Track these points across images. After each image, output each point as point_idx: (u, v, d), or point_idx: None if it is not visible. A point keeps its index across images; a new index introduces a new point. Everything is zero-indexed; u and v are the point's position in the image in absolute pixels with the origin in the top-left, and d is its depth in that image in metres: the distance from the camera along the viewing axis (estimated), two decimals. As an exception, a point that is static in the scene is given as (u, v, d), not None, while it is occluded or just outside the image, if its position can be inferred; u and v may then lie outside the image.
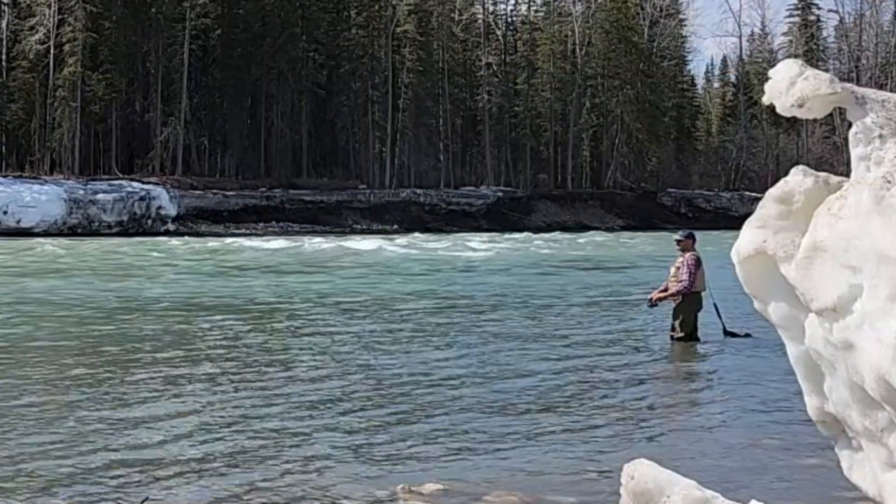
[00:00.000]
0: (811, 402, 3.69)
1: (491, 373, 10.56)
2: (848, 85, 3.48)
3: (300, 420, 8.22)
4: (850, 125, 3.45)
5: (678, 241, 13.21)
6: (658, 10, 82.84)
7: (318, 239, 44.53)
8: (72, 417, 8.16)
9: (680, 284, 12.72)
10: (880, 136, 3.34)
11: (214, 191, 59.93)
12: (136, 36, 62.93)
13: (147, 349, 11.97)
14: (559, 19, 79.80)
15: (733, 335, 13.03)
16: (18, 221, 49.68)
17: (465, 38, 78.90)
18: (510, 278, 24.70)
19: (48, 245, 37.25)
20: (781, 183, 3.59)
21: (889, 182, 3.23)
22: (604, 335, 13.85)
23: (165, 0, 62.61)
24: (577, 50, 77.84)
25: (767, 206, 3.58)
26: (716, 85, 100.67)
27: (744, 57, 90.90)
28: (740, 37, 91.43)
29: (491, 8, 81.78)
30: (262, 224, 58.23)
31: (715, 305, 13.02)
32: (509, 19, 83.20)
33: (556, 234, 53.20)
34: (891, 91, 3.89)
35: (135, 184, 55.78)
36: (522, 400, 9.15)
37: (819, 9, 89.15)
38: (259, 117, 66.40)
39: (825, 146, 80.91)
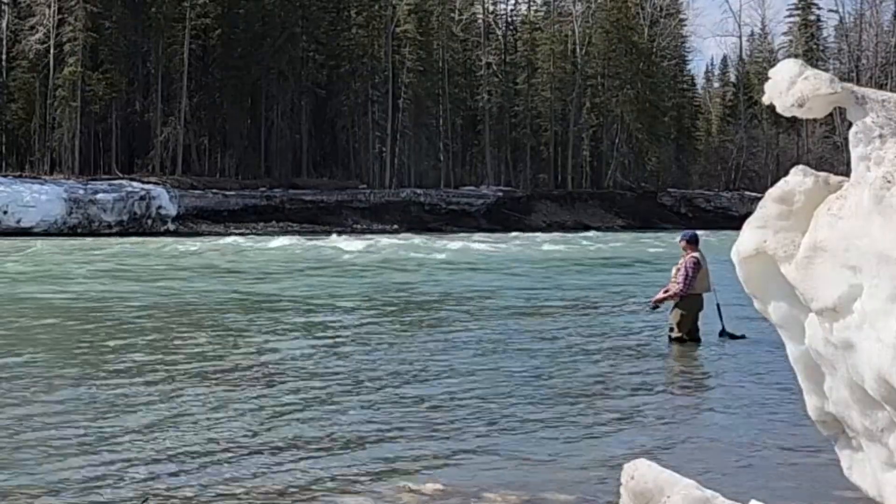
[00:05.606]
0: (811, 402, 3.69)
1: (490, 373, 10.55)
2: (848, 85, 3.48)
3: (300, 420, 8.22)
4: (850, 125, 3.45)
5: (680, 242, 13.28)
6: (658, 9, 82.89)
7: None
8: (72, 417, 8.16)
9: (676, 287, 12.75)
10: (880, 136, 3.34)
11: (214, 191, 59.94)
12: (136, 36, 62.93)
13: (147, 348, 11.97)
14: (559, 19, 79.82)
15: (731, 336, 13.03)
16: (18, 221, 49.71)
17: (465, 38, 78.89)
18: (505, 278, 24.71)
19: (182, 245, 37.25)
20: (781, 183, 3.59)
21: (889, 182, 3.23)
22: (602, 335, 13.85)
23: (165, 0, 62.61)
24: (577, 50, 77.85)
25: (767, 206, 3.58)
26: (716, 85, 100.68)
27: (744, 57, 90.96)
28: (740, 36, 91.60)
29: (491, 8, 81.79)
30: (262, 224, 58.27)
31: (717, 306, 13.02)
32: (509, 19, 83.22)
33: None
34: (891, 91, 3.89)
35: (135, 184, 55.78)
36: (522, 400, 9.15)
37: (819, 9, 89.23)
38: (259, 117, 66.41)
39: (825, 146, 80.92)
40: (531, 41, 78.61)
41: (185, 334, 13.36)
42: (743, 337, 12.97)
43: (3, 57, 61.83)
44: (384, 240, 43.19)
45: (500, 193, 70.91)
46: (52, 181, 54.36)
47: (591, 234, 55.50)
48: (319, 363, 11.01)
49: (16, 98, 61.76)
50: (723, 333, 13.06)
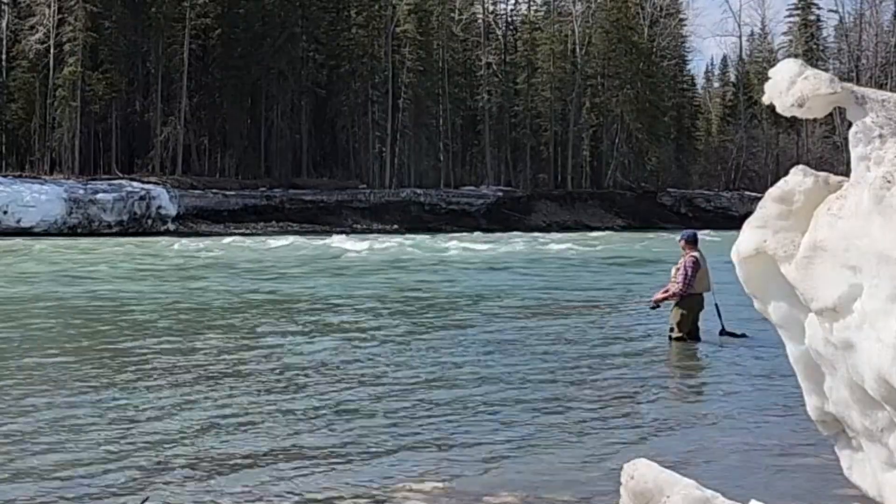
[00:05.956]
0: (811, 402, 3.69)
1: (490, 373, 10.55)
2: (848, 85, 3.48)
3: (300, 420, 8.22)
4: (850, 125, 3.45)
5: (679, 242, 13.31)
6: (658, 9, 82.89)
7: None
8: (72, 418, 8.15)
9: (676, 287, 12.77)
10: (880, 136, 3.34)
11: (214, 190, 59.97)
12: (136, 36, 62.95)
13: (150, 348, 11.96)
14: (559, 19, 79.83)
15: (731, 335, 13.03)
16: (18, 221, 49.74)
17: (465, 38, 78.91)
18: (513, 277, 24.72)
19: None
20: (781, 183, 3.60)
21: (889, 182, 3.23)
22: (603, 335, 13.85)
23: (165, 0, 62.62)
24: (577, 50, 77.86)
25: (767, 205, 3.58)
26: (716, 85, 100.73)
27: (744, 57, 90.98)
28: (740, 36, 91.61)
29: (491, 8, 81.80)
30: (262, 224, 58.28)
31: (716, 305, 13.02)
32: (509, 19, 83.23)
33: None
34: (891, 91, 3.89)
35: (135, 183, 55.81)
36: (522, 400, 9.15)
37: (819, 9, 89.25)
38: (259, 117, 66.41)
39: (825, 146, 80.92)
40: (531, 41, 78.61)
41: (202, 335, 13.32)
42: (743, 336, 12.97)
43: (3, 57, 61.84)
44: (389, 239, 43.20)
45: (500, 193, 70.93)
46: (52, 181, 54.39)
47: (592, 234, 55.51)
48: (330, 365, 10.99)
49: (16, 98, 61.77)
50: (723, 332, 13.07)
